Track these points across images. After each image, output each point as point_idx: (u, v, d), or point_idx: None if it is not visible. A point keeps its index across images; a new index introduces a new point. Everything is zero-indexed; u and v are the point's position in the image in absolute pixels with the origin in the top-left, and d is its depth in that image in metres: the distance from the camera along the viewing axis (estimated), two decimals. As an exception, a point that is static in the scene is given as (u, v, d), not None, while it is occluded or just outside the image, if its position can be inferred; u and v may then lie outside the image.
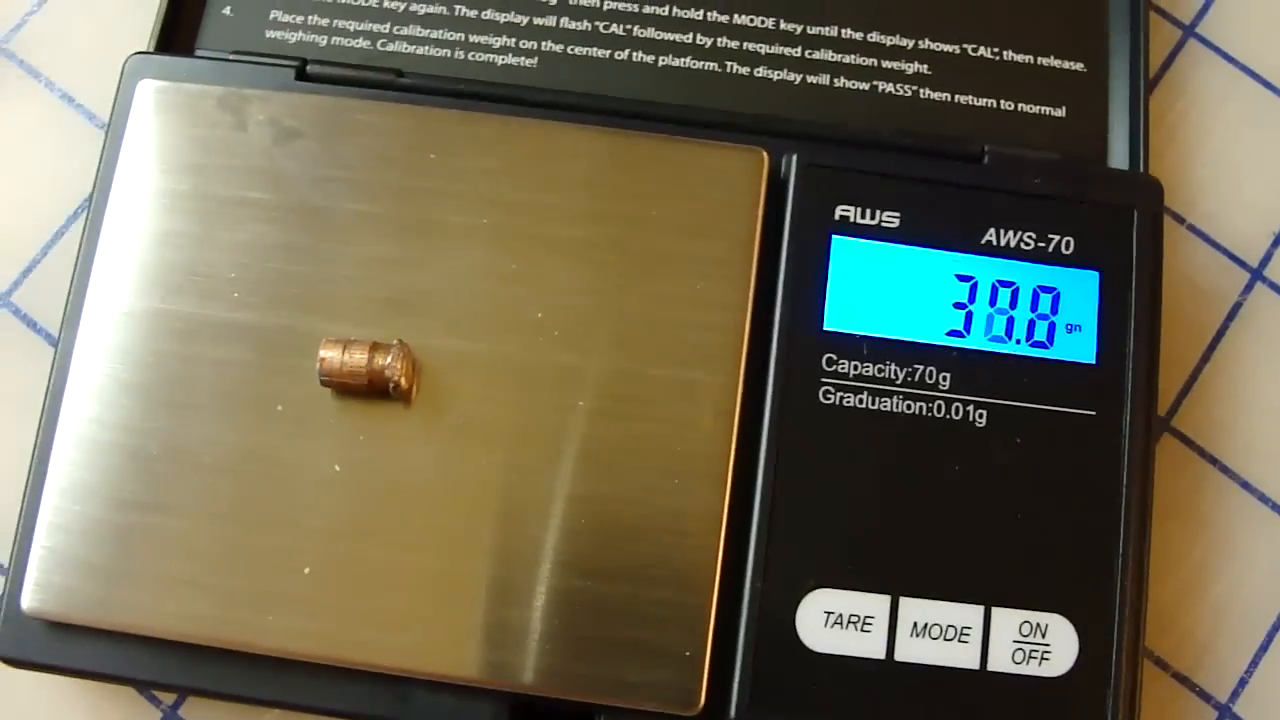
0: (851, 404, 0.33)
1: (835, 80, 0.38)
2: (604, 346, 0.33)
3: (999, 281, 0.34)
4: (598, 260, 0.33)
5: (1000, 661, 0.32)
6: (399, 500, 0.32)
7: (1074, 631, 0.32)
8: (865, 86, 0.38)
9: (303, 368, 0.33)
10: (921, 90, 0.38)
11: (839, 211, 0.34)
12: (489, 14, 0.39)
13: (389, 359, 0.32)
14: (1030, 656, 0.32)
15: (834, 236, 0.34)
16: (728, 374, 0.33)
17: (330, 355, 0.32)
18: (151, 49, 0.37)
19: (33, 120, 0.39)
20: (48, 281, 0.38)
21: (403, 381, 0.32)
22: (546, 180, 0.34)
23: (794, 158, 0.34)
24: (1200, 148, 0.40)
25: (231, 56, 0.36)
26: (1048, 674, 0.32)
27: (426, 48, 0.38)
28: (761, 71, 0.38)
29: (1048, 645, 0.32)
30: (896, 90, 0.38)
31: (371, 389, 0.32)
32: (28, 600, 0.32)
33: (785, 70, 0.38)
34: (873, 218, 0.34)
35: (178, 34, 0.38)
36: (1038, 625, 0.32)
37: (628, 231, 0.34)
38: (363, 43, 0.38)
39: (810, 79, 0.38)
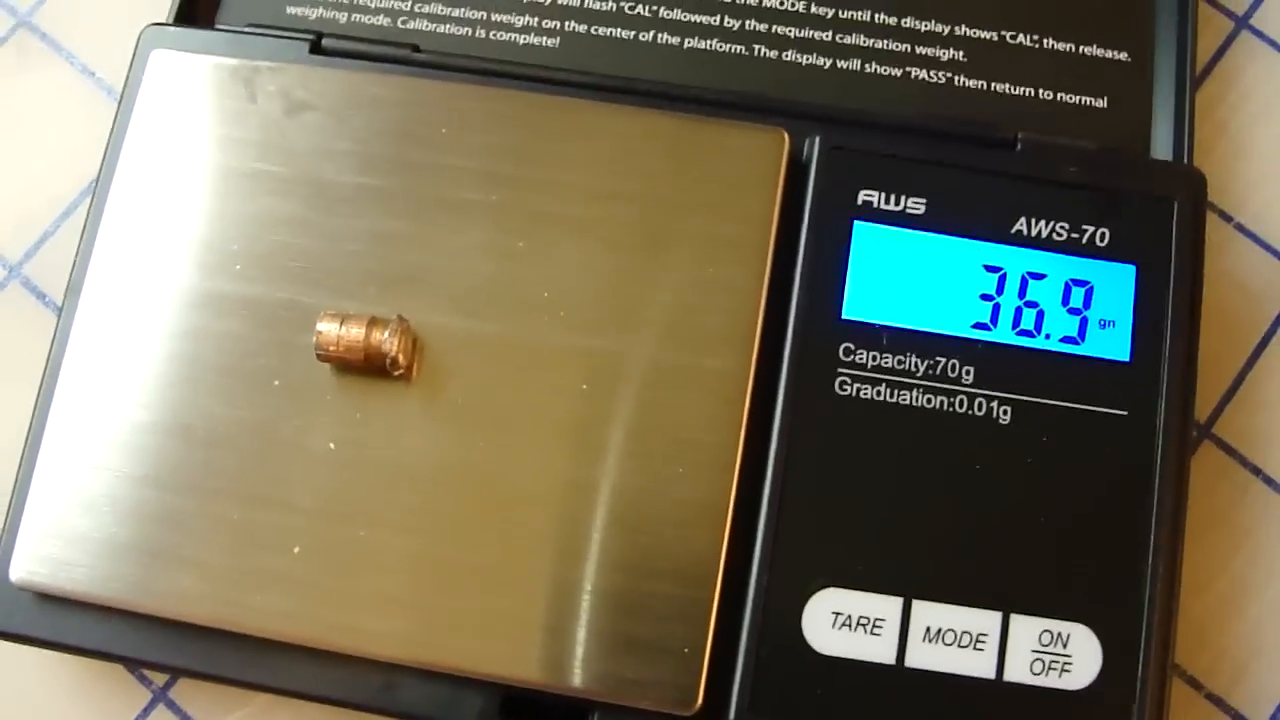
0: (869, 396, 0.31)
1: (866, 66, 0.37)
2: (611, 329, 0.32)
3: (1029, 273, 0.32)
4: (607, 240, 0.32)
5: (1018, 672, 0.30)
6: (393, 481, 0.31)
7: (1098, 643, 0.30)
8: (897, 73, 0.37)
9: (302, 343, 0.32)
10: (956, 77, 0.37)
11: (862, 196, 0.33)
12: (512, -9, 0.38)
13: (386, 334, 0.31)
14: (1050, 667, 0.30)
15: (856, 222, 0.33)
16: (739, 361, 0.32)
17: (327, 329, 0.31)
18: (170, 22, 0.37)
19: (53, 93, 0.39)
20: (59, 254, 0.37)
21: (401, 358, 0.31)
22: (557, 157, 0.33)
23: (816, 139, 0.33)
24: (1250, 144, 0.38)
25: (247, 29, 0.36)
26: (1068, 687, 0.30)
27: (447, 26, 0.38)
28: (790, 55, 0.37)
29: (1069, 656, 0.30)
30: (930, 77, 0.37)
31: (369, 365, 0.31)
32: (16, 571, 0.31)
33: (815, 55, 0.37)
34: (897, 203, 0.33)
35: (198, 8, 0.38)
36: (1059, 635, 0.30)
37: (640, 211, 0.33)
38: (383, 19, 0.38)
39: (840, 64, 0.37)
